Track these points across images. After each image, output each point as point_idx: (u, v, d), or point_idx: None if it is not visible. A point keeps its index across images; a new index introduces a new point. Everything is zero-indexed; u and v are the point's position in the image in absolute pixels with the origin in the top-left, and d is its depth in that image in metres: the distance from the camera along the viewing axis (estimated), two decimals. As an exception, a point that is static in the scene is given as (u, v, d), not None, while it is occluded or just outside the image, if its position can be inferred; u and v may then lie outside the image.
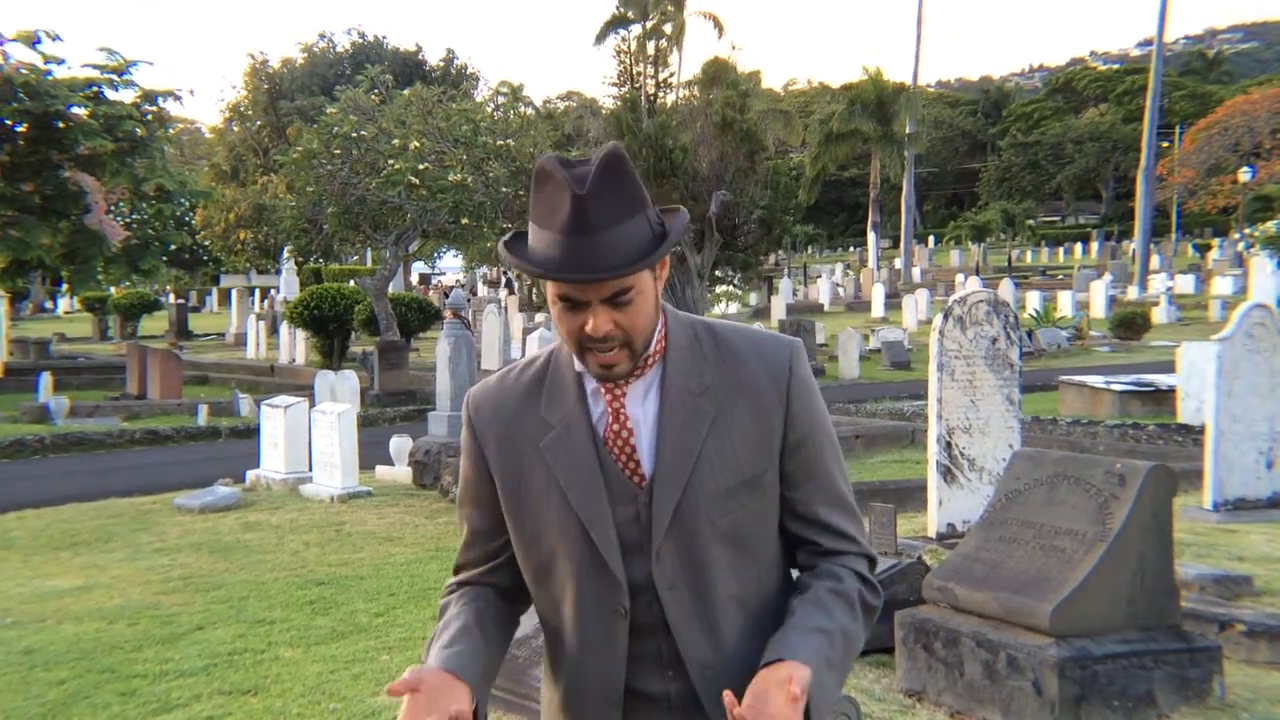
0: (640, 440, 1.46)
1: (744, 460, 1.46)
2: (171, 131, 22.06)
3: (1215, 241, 49.07)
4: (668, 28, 52.85)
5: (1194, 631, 4.01)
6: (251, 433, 11.68)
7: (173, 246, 23.53)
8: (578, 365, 1.48)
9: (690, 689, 1.46)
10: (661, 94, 52.57)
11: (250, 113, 45.35)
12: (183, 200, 22.55)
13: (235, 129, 45.83)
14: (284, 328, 22.88)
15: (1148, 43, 49.76)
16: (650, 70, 54.66)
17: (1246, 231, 34.89)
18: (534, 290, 30.02)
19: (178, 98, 19.31)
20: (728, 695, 1.31)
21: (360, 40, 47.70)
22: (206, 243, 33.18)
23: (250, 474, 9.69)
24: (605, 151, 1.39)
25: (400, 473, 9.91)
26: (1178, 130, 54.15)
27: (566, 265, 1.37)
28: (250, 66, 45.70)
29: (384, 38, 49.05)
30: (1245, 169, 41.45)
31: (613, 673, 1.47)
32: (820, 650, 1.40)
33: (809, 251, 60.17)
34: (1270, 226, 31.05)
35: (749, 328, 1.58)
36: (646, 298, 1.42)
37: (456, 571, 1.63)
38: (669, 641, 1.46)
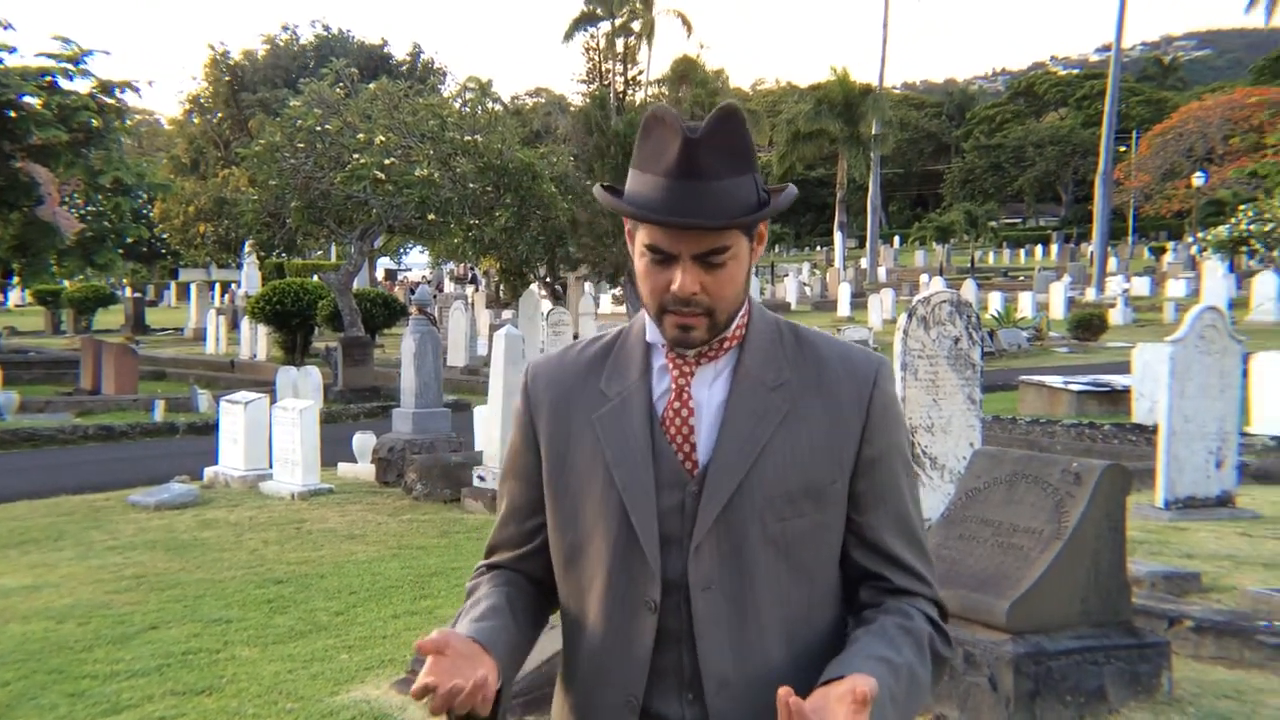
0: (701, 424, 1.36)
1: (811, 466, 1.35)
2: (129, 123, 21.71)
3: (1170, 245, 50.06)
4: (636, 25, 52.88)
5: (1144, 628, 4.09)
6: (210, 429, 11.53)
7: (130, 240, 23.15)
8: (649, 335, 1.40)
9: (706, 718, 1.32)
10: (630, 91, 52.58)
11: (211, 104, 44.73)
12: (140, 193, 22.18)
13: (195, 121, 45.20)
14: (245, 323, 22.60)
15: (1106, 48, 50.57)
16: (619, 68, 54.65)
17: (1199, 235, 35.58)
18: (500, 287, 29.88)
19: (135, 89, 18.99)
20: (783, 691, 1.17)
21: (324, 33, 47.22)
22: (165, 236, 32.68)
23: (208, 471, 9.57)
24: (722, 105, 1.34)
25: (363, 470, 9.83)
26: (1134, 135, 55.13)
27: (668, 208, 1.28)
28: (211, 58, 45.11)
29: (349, 31, 48.65)
30: (1199, 174, 42.31)
31: (633, 677, 1.35)
32: (883, 679, 1.25)
33: (776, 250, 60.52)
34: (1222, 231, 31.72)
35: (835, 337, 1.49)
36: (740, 265, 1.34)
37: (489, 553, 1.53)
38: (692, 656, 1.33)
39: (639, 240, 1.34)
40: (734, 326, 1.38)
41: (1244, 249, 32.50)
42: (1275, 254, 32.08)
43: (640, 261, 1.34)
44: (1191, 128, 49.09)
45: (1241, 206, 33.00)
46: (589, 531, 1.38)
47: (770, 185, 1.38)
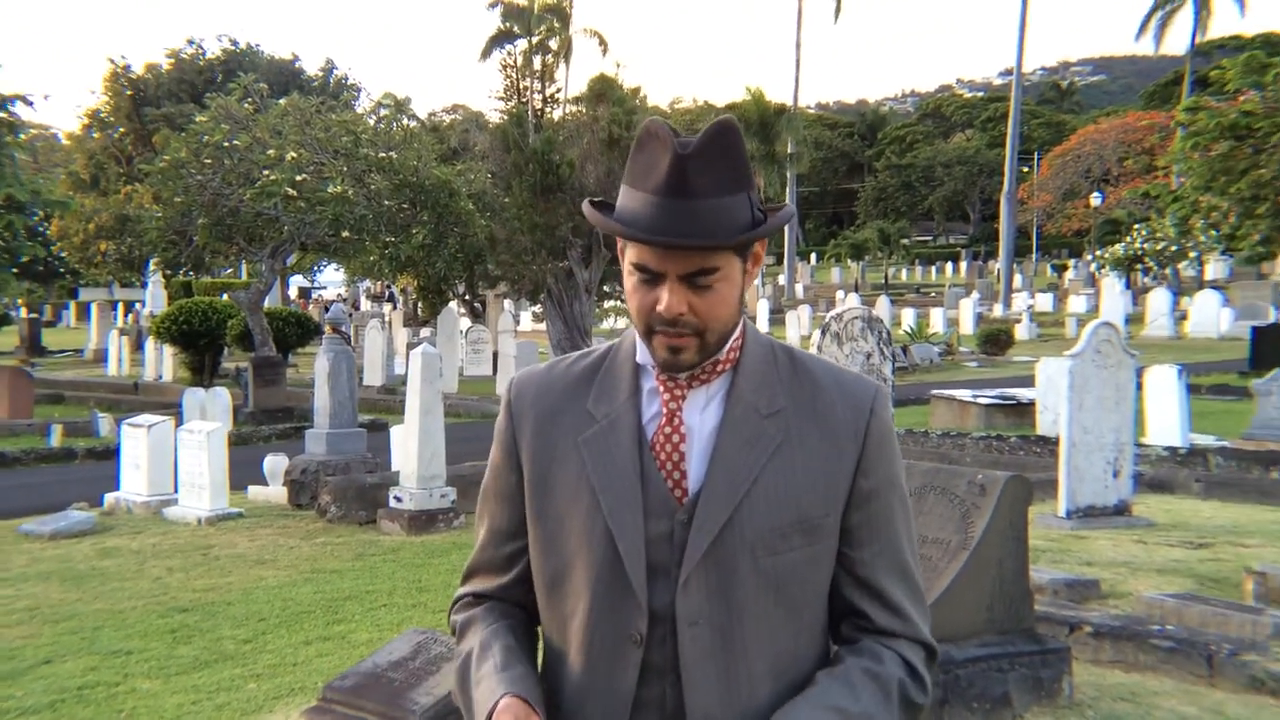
0: (692, 451, 1.31)
1: (805, 498, 1.29)
2: (23, 137, 20.83)
3: (1071, 262, 52.08)
4: (554, 43, 53.01)
5: (1047, 634, 4.23)
6: (111, 454, 11.09)
7: (25, 258, 22.19)
8: (639, 356, 1.35)
9: None
10: (549, 109, 52.60)
11: (112, 119, 43.25)
12: (36, 210, 21.31)
13: (95, 136, 43.63)
14: (150, 343, 21.84)
15: (1008, 73, 52.58)
16: (537, 85, 54.66)
17: (1098, 253, 37.13)
18: (419, 305, 29.50)
19: (29, 102, 18.26)
20: None
21: (232, 47, 46.10)
22: (63, 254, 31.42)
23: (109, 497, 9.20)
24: (717, 120, 1.30)
25: (274, 493, 9.57)
26: (1036, 156, 57.33)
27: (655, 226, 1.24)
28: (111, 71, 43.63)
29: (258, 45, 47.55)
30: (1096, 194, 44.20)
31: (615, 711, 1.30)
32: None
33: None
34: (1118, 249, 33.16)
35: (831, 361, 1.43)
36: (730, 287, 1.29)
37: (468, 576, 1.46)
38: (676, 691, 1.28)
39: (627, 258, 1.31)
40: (726, 349, 1.34)
41: (1139, 266, 34.01)
42: (1168, 271, 33.67)
43: (629, 280, 1.31)
44: (1089, 150, 51.32)
45: (1136, 226, 34.56)
46: (572, 558, 1.33)
47: (769, 205, 1.35)
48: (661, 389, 1.34)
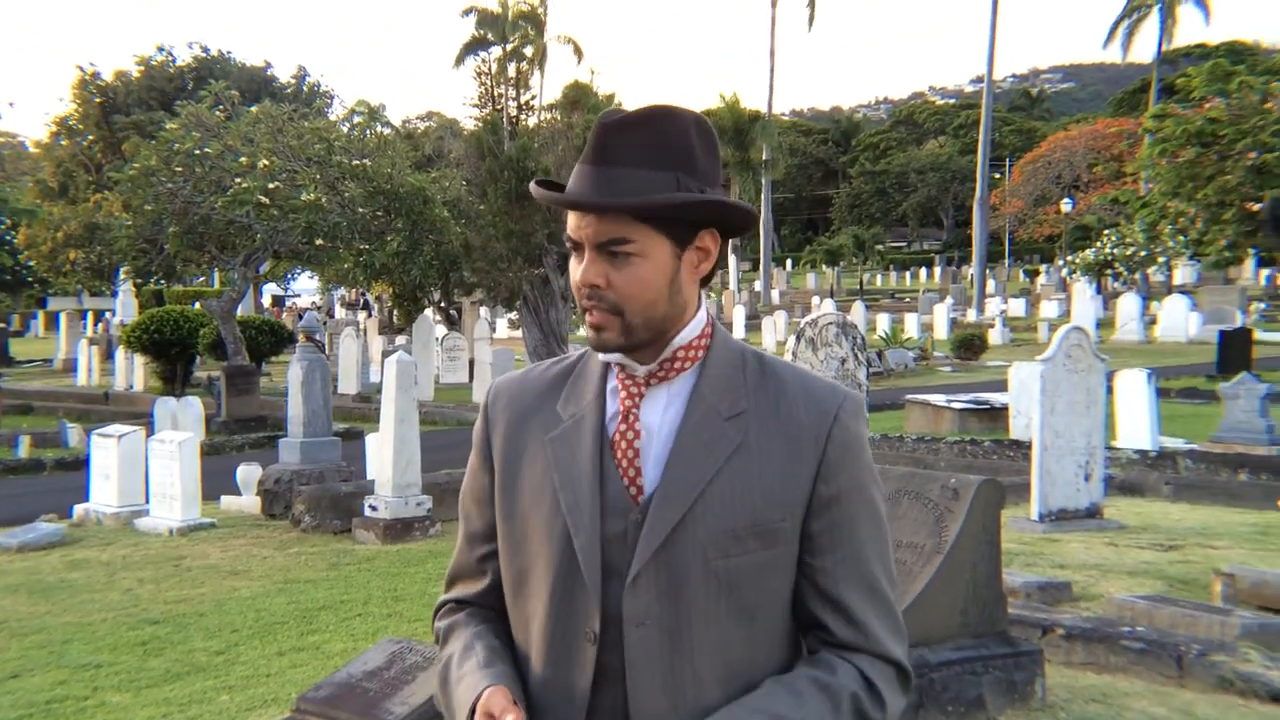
0: (648, 450, 1.30)
1: (761, 503, 1.27)
2: (-9, 144, 20.58)
3: (1043, 268, 52.64)
4: (528, 51, 52.99)
5: (1019, 637, 4.27)
6: (80, 465, 10.95)
7: (-8, 267, 21.89)
8: (604, 356, 1.35)
9: None
10: (523, 116, 52.57)
11: (80, 127, 42.76)
12: (3, 219, 21.05)
13: (64, 144, 43.11)
14: (120, 353, 21.58)
15: (979, 80, 53.18)
16: (511, 93, 54.60)
17: (1069, 259, 37.56)
18: (394, 313, 29.35)
19: (-4, 109, 18.06)
20: None
21: (203, 54, 45.73)
22: (31, 263, 31.02)
23: (78, 509, 9.08)
24: (665, 104, 1.32)
25: (247, 502, 9.48)
26: (1008, 163, 57.95)
27: (570, 191, 1.26)
28: (79, 78, 43.14)
29: (229, 52, 47.15)
30: (1066, 200, 44.73)
31: (571, 715, 1.29)
32: None
33: None
34: (1088, 255, 33.57)
35: (805, 369, 1.40)
36: (651, 266, 1.27)
37: (450, 583, 1.46)
38: (626, 698, 1.27)
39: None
40: (685, 347, 1.32)
41: (1109, 272, 34.44)
42: (1137, 276, 34.13)
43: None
44: (1059, 156, 51.97)
45: (1106, 231, 35.01)
46: (534, 557, 1.33)
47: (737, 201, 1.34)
48: (620, 387, 1.34)
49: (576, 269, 1.30)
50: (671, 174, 1.27)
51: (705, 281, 1.37)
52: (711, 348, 1.35)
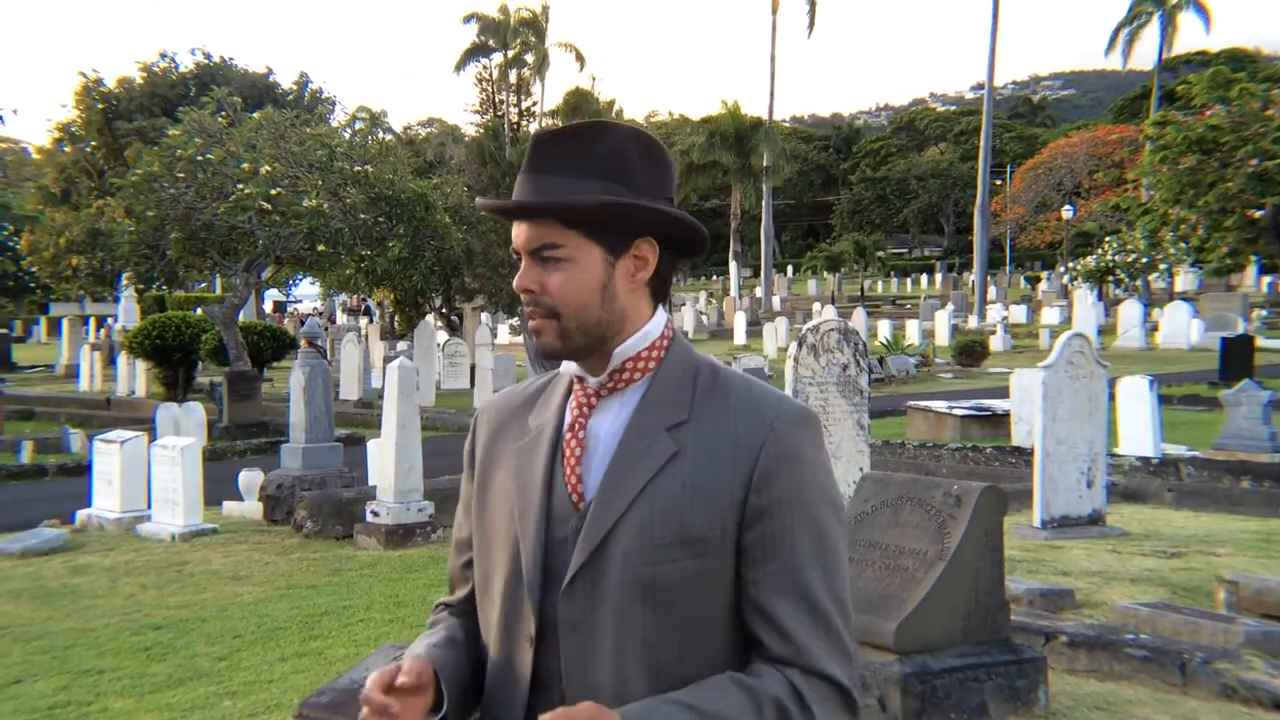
0: (591, 459, 1.33)
1: (690, 512, 1.27)
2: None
3: (1044, 274, 52.64)
4: (529, 57, 53.10)
5: (1022, 644, 4.26)
6: (83, 470, 10.95)
7: (-6, 272, 21.92)
8: (566, 368, 1.40)
9: None
10: (524, 123, 52.66)
11: (83, 133, 42.82)
12: (5, 225, 21.08)
13: (66, 150, 43.16)
14: (122, 358, 21.60)
15: (980, 87, 53.27)
16: (513, 99, 54.69)
17: (1070, 265, 37.56)
18: (395, 318, 29.37)
19: (-1, 116, 18.11)
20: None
21: (205, 61, 45.79)
22: (34, 269, 31.07)
23: (80, 514, 9.08)
24: (605, 119, 1.37)
25: (250, 508, 9.49)
26: (1009, 169, 57.99)
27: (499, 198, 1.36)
28: (82, 85, 43.20)
29: (231, 59, 47.17)
30: (1067, 207, 44.74)
31: (514, 717, 1.32)
32: (661, 715, 1.20)
33: (675, 280, 61.13)
34: (1090, 261, 33.56)
35: (763, 384, 1.38)
36: (583, 271, 1.31)
37: (450, 589, 1.52)
38: (563, 700, 1.27)
39: None
40: (635, 358, 1.34)
41: (1110, 279, 34.43)
42: (1138, 283, 34.12)
43: None
44: (1060, 163, 51.99)
45: (1107, 238, 35.01)
46: (495, 562, 1.37)
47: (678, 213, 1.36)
48: (575, 399, 1.37)
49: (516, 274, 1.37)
50: (601, 182, 1.30)
51: (661, 294, 1.39)
52: (665, 360, 1.36)
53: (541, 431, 1.38)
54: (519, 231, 1.34)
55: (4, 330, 33.77)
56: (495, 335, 27.88)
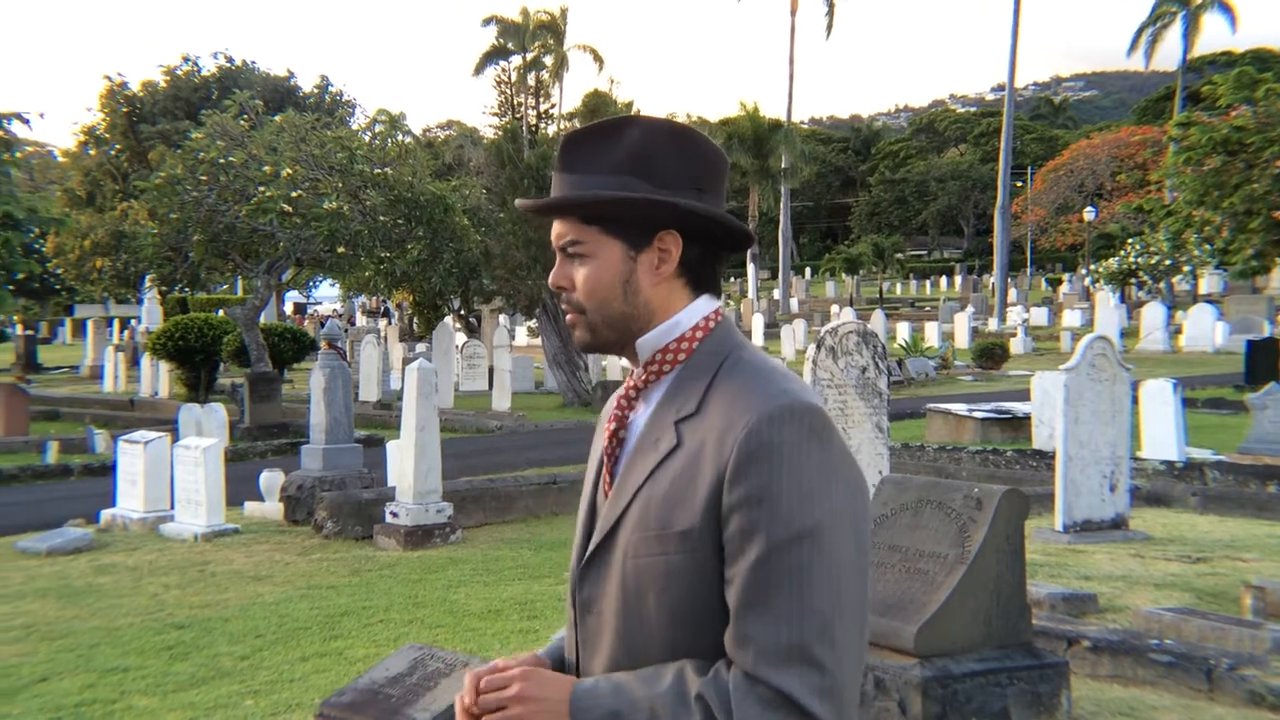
0: (625, 450, 1.37)
1: (674, 508, 1.27)
2: (19, 155, 20.88)
3: (1065, 276, 52.27)
4: (548, 60, 53.25)
5: (1044, 648, 4.23)
6: (107, 470, 11.06)
7: (20, 275, 22.18)
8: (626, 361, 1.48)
9: None
10: (543, 125, 52.79)
11: (108, 136, 43.28)
12: (32, 228, 21.32)
13: (91, 153, 43.63)
14: (145, 359, 21.80)
15: (1001, 88, 52.92)
16: (531, 101, 54.85)
17: (1092, 268, 37.27)
18: (414, 320, 29.50)
19: (25, 120, 18.36)
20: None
21: (228, 64, 46.18)
22: (59, 271, 31.42)
23: (105, 514, 9.17)
24: (635, 114, 1.44)
25: (270, 509, 9.55)
26: (1029, 171, 57.60)
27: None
28: (106, 88, 43.67)
29: (253, 62, 47.52)
30: (1089, 209, 44.39)
31: None
32: (608, 697, 1.24)
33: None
34: (1112, 263, 33.30)
35: (780, 370, 1.34)
36: (600, 266, 1.35)
37: None
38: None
39: None
40: (664, 350, 1.36)
41: (1133, 281, 34.14)
42: (1162, 285, 33.82)
43: None
44: (1081, 164, 51.62)
45: (1129, 240, 34.72)
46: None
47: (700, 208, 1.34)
48: (622, 392, 1.42)
49: None
50: (617, 178, 1.33)
51: (702, 286, 1.38)
52: (696, 350, 1.35)
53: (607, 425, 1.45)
54: (554, 227, 1.40)
55: (30, 332, 34.15)
56: (513, 337, 27.96)
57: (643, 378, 1.38)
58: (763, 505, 1.22)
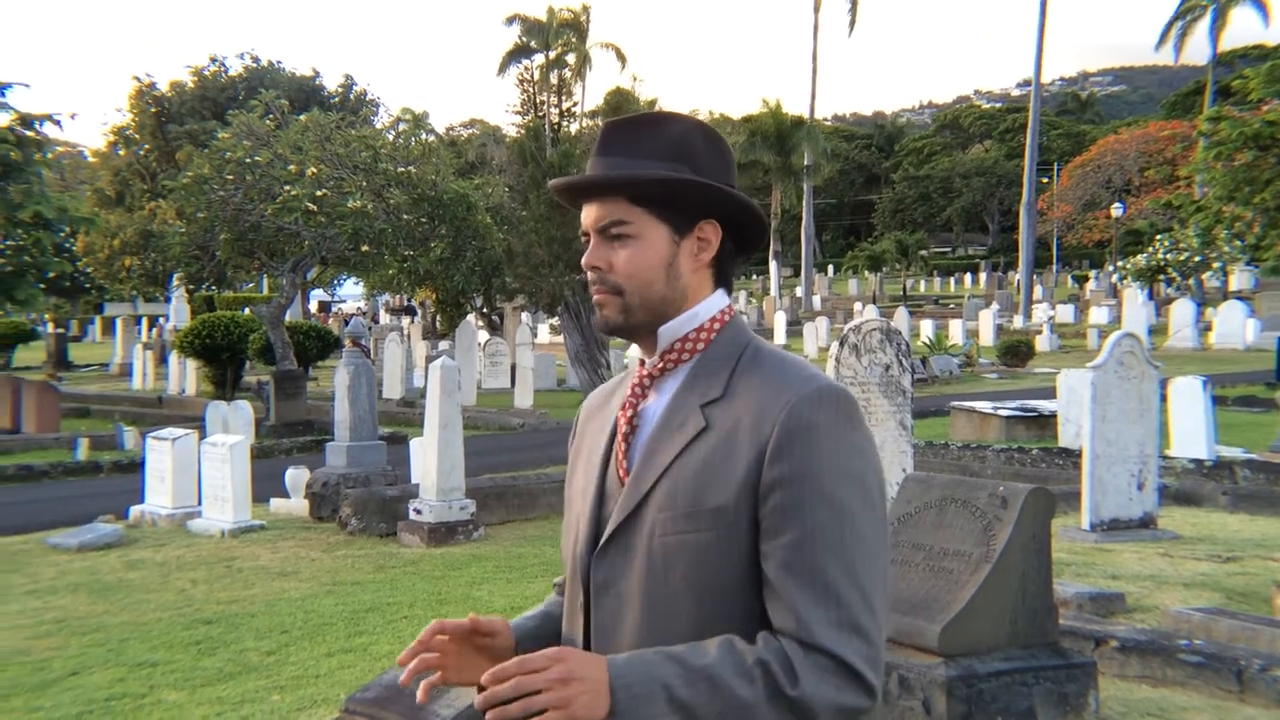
0: (640, 436, 1.40)
1: (708, 486, 1.30)
2: (50, 155, 21.16)
3: (1092, 273, 51.71)
4: (570, 58, 53.30)
5: (1071, 648, 4.19)
6: (136, 467, 11.19)
7: (51, 274, 22.48)
8: (637, 351, 1.48)
9: None
10: (565, 123, 52.86)
11: (137, 136, 43.75)
12: (63, 227, 21.61)
13: (121, 153, 44.13)
14: (173, 357, 22.04)
15: (1027, 83, 52.45)
16: (554, 99, 54.93)
17: (1119, 264, 36.86)
18: (437, 318, 29.64)
19: (57, 121, 18.58)
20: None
21: (254, 64, 46.55)
22: (89, 270, 31.82)
23: (134, 510, 9.28)
24: (675, 111, 1.44)
25: (296, 505, 9.63)
26: (1056, 167, 57.04)
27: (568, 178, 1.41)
28: (136, 89, 44.14)
29: (279, 62, 47.87)
30: (1117, 205, 43.91)
31: None
32: (654, 667, 1.22)
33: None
34: (1140, 260, 32.91)
35: (801, 359, 1.41)
36: (647, 249, 1.37)
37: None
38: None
39: None
40: (683, 339, 1.40)
41: (1162, 277, 33.73)
42: (1191, 282, 33.40)
43: None
44: (1109, 160, 51.07)
45: (1158, 236, 34.30)
46: (568, 540, 1.48)
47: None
48: (636, 377, 1.44)
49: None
50: (667, 164, 1.37)
51: (723, 279, 1.44)
52: (714, 341, 1.40)
53: (613, 412, 1.46)
54: (588, 211, 1.40)
55: (61, 330, 34.62)
56: (536, 335, 28.05)
57: (658, 366, 1.41)
58: (806, 482, 1.28)
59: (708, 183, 1.37)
